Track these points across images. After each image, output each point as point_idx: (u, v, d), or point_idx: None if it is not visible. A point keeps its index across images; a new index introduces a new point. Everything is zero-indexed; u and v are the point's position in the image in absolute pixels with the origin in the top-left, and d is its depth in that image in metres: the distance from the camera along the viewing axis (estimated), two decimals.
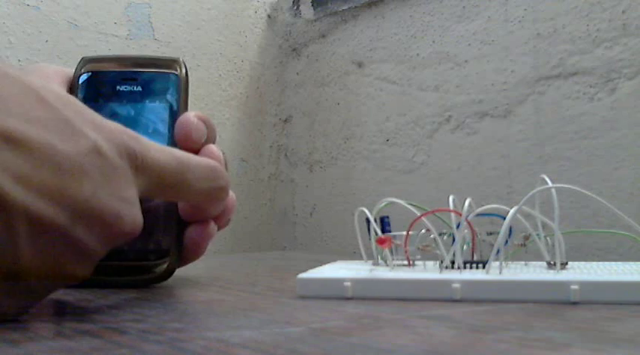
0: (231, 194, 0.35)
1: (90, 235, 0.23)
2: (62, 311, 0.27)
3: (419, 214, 0.31)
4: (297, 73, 0.83)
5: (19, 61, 0.61)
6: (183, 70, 0.36)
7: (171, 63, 0.37)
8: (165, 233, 0.34)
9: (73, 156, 0.23)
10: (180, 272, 0.40)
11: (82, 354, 0.19)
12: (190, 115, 0.34)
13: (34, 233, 0.22)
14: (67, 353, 0.19)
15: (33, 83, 0.24)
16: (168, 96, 0.36)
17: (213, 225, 0.34)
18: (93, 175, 0.23)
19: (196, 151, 0.34)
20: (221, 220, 0.35)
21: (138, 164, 0.26)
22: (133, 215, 0.25)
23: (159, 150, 0.28)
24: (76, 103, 0.25)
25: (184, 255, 0.35)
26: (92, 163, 0.23)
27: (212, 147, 0.34)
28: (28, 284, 0.23)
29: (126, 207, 0.25)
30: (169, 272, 0.35)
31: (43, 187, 0.22)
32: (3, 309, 0.23)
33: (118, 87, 0.36)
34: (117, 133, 0.25)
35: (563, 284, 0.27)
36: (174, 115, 0.35)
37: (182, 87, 0.36)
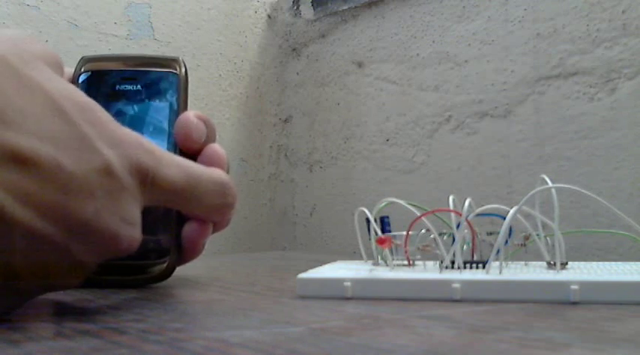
0: None
1: (85, 251, 0.24)
2: (62, 311, 0.27)
3: (419, 214, 0.31)
4: (297, 73, 0.83)
5: None
6: (183, 69, 0.36)
7: (170, 62, 0.37)
8: (165, 232, 0.34)
9: (81, 176, 0.23)
10: (180, 272, 0.40)
11: (82, 354, 0.19)
12: (190, 115, 0.34)
13: (30, 247, 0.22)
14: (67, 353, 0.19)
15: (54, 91, 0.24)
16: (168, 96, 0.36)
17: (210, 224, 0.34)
18: (98, 196, 0.24)
19: (196, 151, 0.34)
20: (221, 221, 0.35)
21: (148, 181, 0.26)
22: (131, 235, 0.25)
23: (171, 165, 0.28)
24: (94, 112, 0.25)
25: (182, 253, 0.35)
26: (100, 183, 0.24)
27: (215, 146, 0.34)
28: (16, 286, 0.23)
29: (126, 227, 0.25)
30: (169, 271, 0.35)
31: (45, 207, 0.22)
32: None
33: (117, 86, 0.36)
34: (132, 148, 0.25)
35: (563, 284, 0.27)
36: (173, 114, 0.35)
37: (182, 86, 0.36)
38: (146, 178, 0.26)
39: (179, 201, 0.29)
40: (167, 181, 0.27)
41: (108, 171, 0.24)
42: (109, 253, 0.25)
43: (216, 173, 0.31)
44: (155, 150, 0.27)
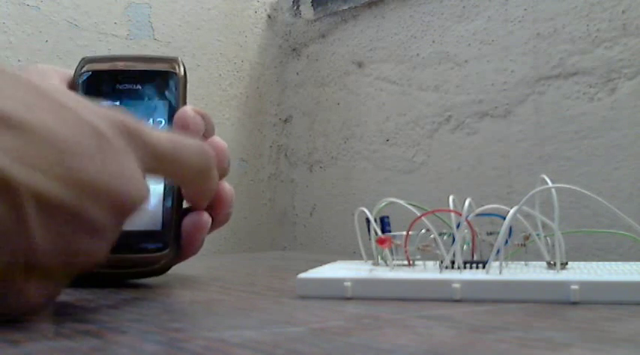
0: (228, 186, 0.35)
1: (100, 211, 0.23)
2: (62, 311, 0.27)
3: (419, 214, 0.31)
4: (297, 73, 0.83)
5: (19, 61, 0.61)
6: (182, 69, 0.37)
7: (169, 62, 0.37)
8: (164, 225, 0.34)
9: (74, 138, 0.23)
10: (180, 272, 0.40)
11: (82, 354, 0.19)
12: (188, 109, 0.35)
13: (43, 213, 0.22)
14: (67, 353, 0.19)
15: (31, 79, 0.24)
16: (167, 95, 0.36)
17: (207, 216, 0.35)
18: (95, 155, 0.23)
19: None
20: (219, 213, 0.35)
21: (137, 143, 0.26)
22: (139, 187, 0.25)
23: (153, 130, 0.28)
24: (74, 95, 0.25)
25: (181, 249, 0.35)
26: (93, 144, 0.24)
27: (216, 138, 0.35)
28: (46, 270, 0.22)
29: (131, 181, 0.25)
30: (168, 265, 0.35)
31: (46, 167, 0.22)
32: (27, 299, 0.23)
33: (117, 86, 0.36)
34: (115, 116, 0.26)
35: (563, 284, 0.27)
36: (173, 113, 0.35)
37: (180, 85, 0.36)
38: (134, 139, 0.26)
39: (167, 165, 0.29)
40: (155, 144, 0.27)
41: (96, 133, 0.24)
42: (124, 211, 0.25)
43: (196, 141, 0.32)
44: (136, 119, 0.27)
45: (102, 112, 0.25)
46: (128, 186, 0.25)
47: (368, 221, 0.33)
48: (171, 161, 0.29)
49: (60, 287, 0.25)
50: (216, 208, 0.35)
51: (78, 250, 0.23)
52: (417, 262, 0.34)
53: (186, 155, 0.30)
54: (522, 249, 0.33)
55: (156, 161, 0.28)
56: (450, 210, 0.32)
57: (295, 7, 0.83)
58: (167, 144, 0.28)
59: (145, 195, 0.26)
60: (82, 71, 0.36)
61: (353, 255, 0.57)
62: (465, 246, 0.33)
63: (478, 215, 0.31)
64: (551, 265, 0.32)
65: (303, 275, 0.31)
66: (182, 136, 0.31)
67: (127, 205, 0.25)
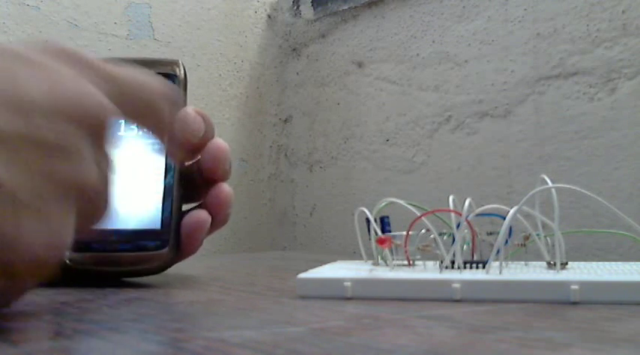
0: (227, 187, 0.36)
1: (55, 125, 0.21)
2: (62, 311, 0.27)
3: (419, 214, 0.31)
4: (297, 73, 0.83)
5: None
6: (182, 72, 0.37)
7: (170, 64, 0.37)
8: (164, 223, 0.35)
9: None
10: (180, 272, 0.40)
11: (82, 354, 0.19)
12: (188, 110, 0.35)
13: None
14: (67, 353, 0.19)
15: None
16: None
17: (206, 215, 0.35)
18: (19, 73, 0.21)
19: (195, 146, 0.34)
20: (218, 214, 0.35)
21: (78, 62, 0.24)
22: (89, 94, 0.23)
23: (107, 61, 0.26)
24: None
25: (181, 248, 0.35)
26: (14, 65, 0.22)
27: (218, 139, 0.35)
28: (34, 207, 0.20)
29: (76, 88, 0.22)
30: (167, 264, 0.35)
31: None
32: (26, 244, 0.21)
33: None
34: (44, 44, 0.24)
35: (563, 284, 0.27)
36: None
37: (181, 88, 0.37)
38: (75, 60, 0.24)
39: (119, 87, 0.26)
40: (99, 64, 0.25)
41: (13, 54, 0.22)
42: (85, 121, 0.22)
43: (148, 74, 0.28)
44: (81, 49, 0.25)
45: (23, 43, 0.23)
46: (74, 92, 0.22)
47: (368, 221, 0.33)
48: (116, 80, 0.26)
49: (66, 228, 0.22)
50: (216, 209, 0.35)
51: (59, 178, 0.21)
52: (417, 262, 0.34)
53: (132, 79, 0.27)
54: (522, 249, 0.33)
55: (108, 83, 0.25)
56: (450, 210, 0.32)
57: (295, 7, 0.83)
58: (114, 67, 0.26)
59: (102, 102, 0.23)
60: None
61: (353, 255, 0.57)
62: (465, 246, 0.33)
63: (478, 215, 0.31)
64: (551, 265, 0.32)
65: (303, 275, 0.31)
66: (132, 67, 0.28)
67: (83, 112, 0.22)
